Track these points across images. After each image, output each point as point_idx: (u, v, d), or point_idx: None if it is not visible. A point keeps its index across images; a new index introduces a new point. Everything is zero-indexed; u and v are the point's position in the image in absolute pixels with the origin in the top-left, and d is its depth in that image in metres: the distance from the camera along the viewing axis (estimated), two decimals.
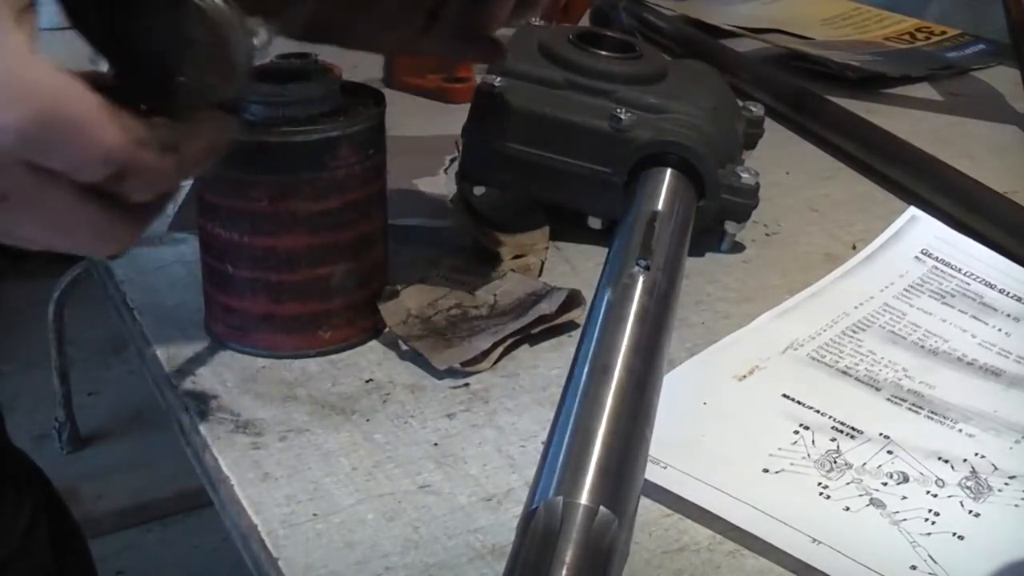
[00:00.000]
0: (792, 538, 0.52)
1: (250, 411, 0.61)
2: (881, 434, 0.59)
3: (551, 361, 0.66)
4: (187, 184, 0.86)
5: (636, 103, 0.76)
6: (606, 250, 0.67)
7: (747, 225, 0.78)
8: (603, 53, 0.79)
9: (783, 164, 0.93)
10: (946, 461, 0.57)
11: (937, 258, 0.75)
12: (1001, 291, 0.72)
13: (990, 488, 0.56)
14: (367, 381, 0.64)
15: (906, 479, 0.56)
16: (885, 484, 0.55)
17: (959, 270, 0.74)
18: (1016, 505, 0.55)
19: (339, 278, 0.65)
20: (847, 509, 0.54)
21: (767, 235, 0.82)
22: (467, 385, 0.64)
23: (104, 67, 0.47)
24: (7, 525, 0.80)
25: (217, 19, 0.45)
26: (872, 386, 0.63)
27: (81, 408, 2.04)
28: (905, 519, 0.53)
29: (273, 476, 0.56)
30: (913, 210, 0.80)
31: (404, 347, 0.66)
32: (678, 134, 0.75)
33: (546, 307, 0.67)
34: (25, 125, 0.40)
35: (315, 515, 0.54)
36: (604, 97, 0.77)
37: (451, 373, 0.64)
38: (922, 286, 0.73)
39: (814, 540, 0.52)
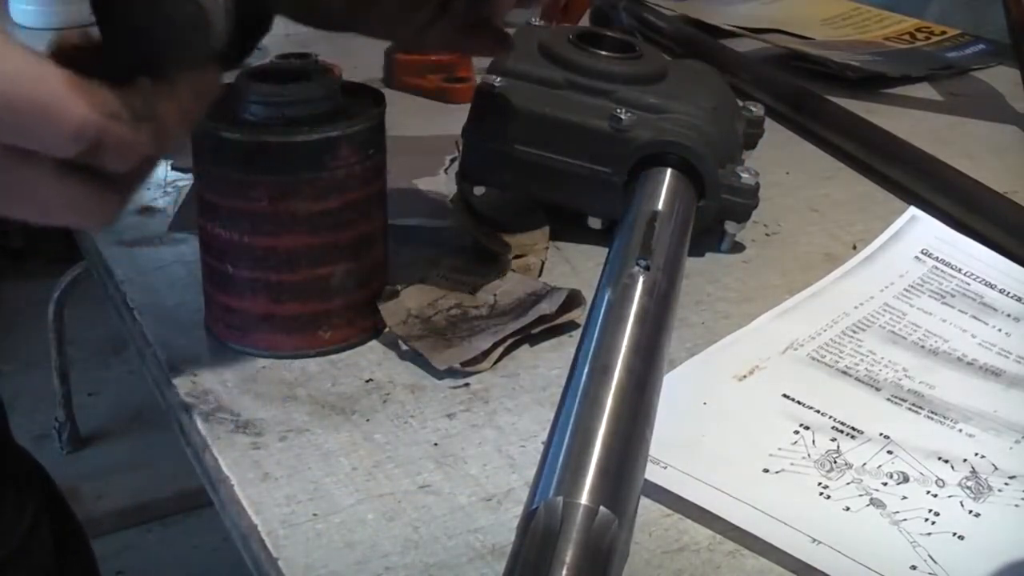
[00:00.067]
0: (792, 538, 0.52)
1: (250, 411, 0.61)
2: (881, 434, 0.59)
3: (551, 361, 0.66)
4: (187, 184, 0.86)
5: (636, 103, 0.76)
6: (606, 250, 0.67)
7: (747, 225, 0.78)
8: (603, 53, 0.79)
9: (783, 164, 0.93)
10: (946, 461, 0.57)
11: (937, 258, 0.75)
12: (1001, 291, 0.72)
13: (990, 488, 0.56)
14: (367, 381, 0.64)
15: (906, 479, 0.56)
16: (885, 484, 0.55)
17: (959, 270, 0.74)
18: (1016, 505, 0.55)
19: (339, 278, 0.65)
20: (847, 509, 0.54)
21: (767, 235, 0.82)
22: (467, 385, 0.64)
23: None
24: (9, 524, 0.80)
25: None
26: (872, 386, 0.63)
27: (81, 408, 2.04)
28: (905, 519, 0.53)
29: (273, 476, 0.56)
30: (913, 210, 0.80)
31: (404, 347, 0.66)
32: (678, 134, 0.75)
33: (546, 307, 0.67)
34: None
35: (315, 515, 0.54)
36: (604, 97, 0.77)
37: (451, 373, 0.64)
38: (922, 286, 0.73)
39: (814, 540, 0.52)
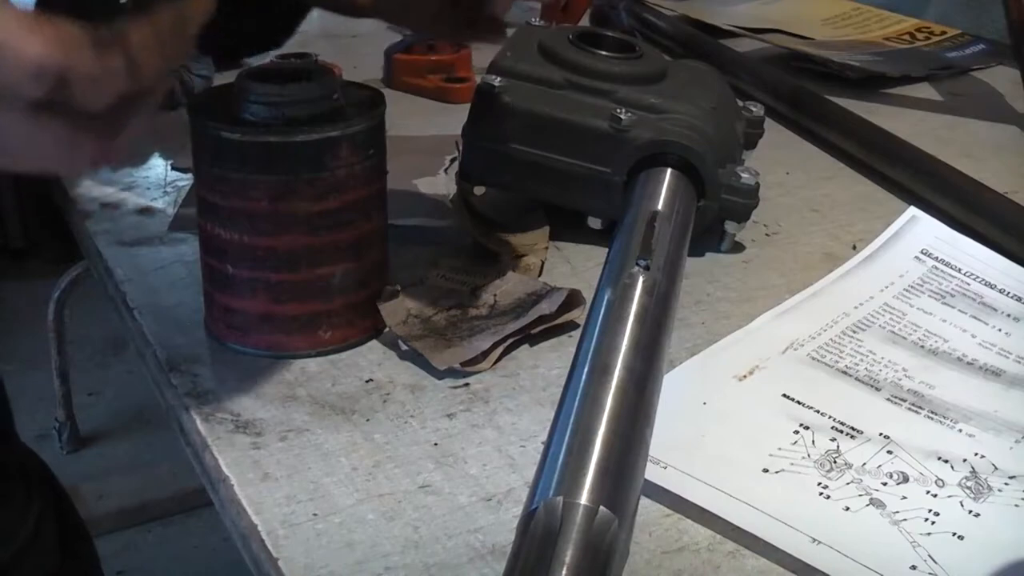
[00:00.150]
0: (792, 538, 0.52)
1: (250, 411, 0.61)
2: (881, 434, 0.59)
3: (551, 361, 0.66)
4: (187, 184, 0.86)
5: (636, 103, 0.76)
6: (606, 250, 0.67)
7: (747, 225, 0.78)
8: (603, 53, 0.79)
9: (783, 164, 0.93)
10: (946, 461, 0.57)
11: (937, 258, 0.75)
12: (1001, 291, 0.72)
13: (990, 488, 0.56)
14: (367, 381, 0.64)
15: (906, 479, 0.56)
16: (885, 484, 0.55)
17: (959, 270, 0.74)
18: (1016, 505, 0.55)
19: (339, 278, 0.65)
20: (847, 509, 0.54)
21: (767, 235, 0.82)
22: (467, 385, 0.64)
23: None
24: (16, 522, 0.80)
25: None
26: (872, 386, 0.63)
27: (81, 408, 2.04)
28: (905, 519, 0.53)
29: (273, 476, 0.56)
30: (913, 210, 0.80)
31: (404, 347, 0.66)
32: (678, 134, 0.75)
33: (546, 307, 0.67)
34: None
35: (315, 515, 0.54)
36: (604, 97, 0.77)
37: (451, 373, 0.64)
38: (922, 286, 0.73)
39: (814, 540, 0.52)
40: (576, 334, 0.66)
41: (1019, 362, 0.66)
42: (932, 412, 0.61)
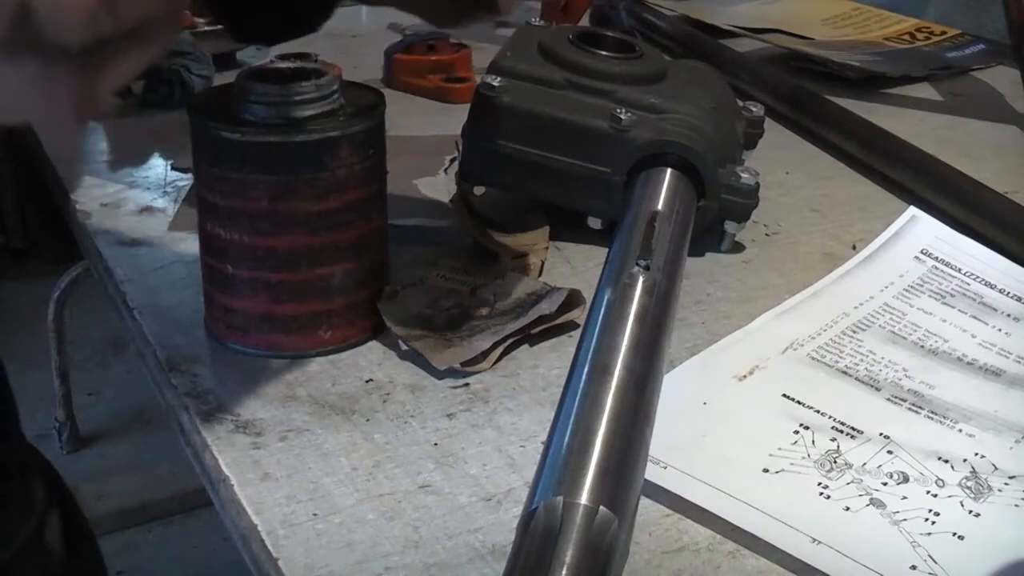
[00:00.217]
0: (792, 538, 0.52)
1: (250, 411, 0.61)
2: (881, 434, 0.59)
3: (551, 361, 0.66)
4: (187, 184, 0.86)
5: (636, 103, 0.76)
6: (606, 250, 0.67)
7: (747, 225, 0.78)
8: (603, 53, 0.79)
9: (783, 164, 0.93)
10: (946, 461, 0.57)
11: (937, 258, 0.75)
12: (1001, 291, 0.72)
13: (990, 488, 0.56)
14: (367, 381, 0.64)
15: (906, 479, 0.56)
16: (885, 484, 0.55)
17: (959, 270, 0.74)
18: (1016, 505, 0.55)
19: (339, 278, 0.65)
20: (847, 509, 0.54)
21: (767, 235, 0.82)
22: (467, 385, 0.64)
23: None
24: (17, 522, 0.80)
25: None
26: (872, 386, 0.63)
27: (81, 408, 2.04)
28: (905, 519, 0.53)
29: (273, 476, 0.56)
30: (913, 210, 0.80)
31: (404, 347, 0.66)
32: (678, 134, 0.75)
33: (546, 307, 0.67)
34: None
35: (315, 515, 0.54)
36: (604, 97, 0.77)
37: (451, 373, 0.64)
38: (922, 286, 0.73)
39: (814, 540, 0.52)
40: (576, 334, 0.66)
41: (1019, 362, 0.66)
42: (932, 412, 0.61)
